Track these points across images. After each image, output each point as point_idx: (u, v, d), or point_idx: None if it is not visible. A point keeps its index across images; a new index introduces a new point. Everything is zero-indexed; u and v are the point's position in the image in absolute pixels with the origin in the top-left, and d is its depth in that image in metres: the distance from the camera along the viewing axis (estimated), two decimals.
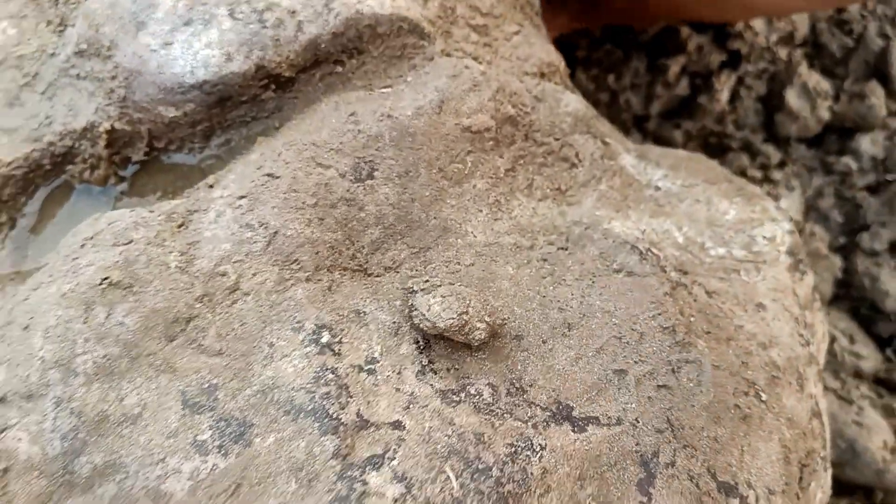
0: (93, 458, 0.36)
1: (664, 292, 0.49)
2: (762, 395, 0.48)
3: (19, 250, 0.53)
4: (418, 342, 0.43)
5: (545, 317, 0.46)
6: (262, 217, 0.44)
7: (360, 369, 0.40)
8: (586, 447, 0.40)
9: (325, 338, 0.40)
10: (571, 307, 0.47)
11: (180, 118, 0.52)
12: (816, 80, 1.10)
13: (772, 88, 1.14)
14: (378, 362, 0.41)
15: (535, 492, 0.38)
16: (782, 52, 1.15)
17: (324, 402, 0.38)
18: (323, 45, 0.52)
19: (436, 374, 0.42)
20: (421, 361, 0.42)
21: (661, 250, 0.54)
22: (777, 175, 1.11)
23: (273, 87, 0.53)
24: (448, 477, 0.37)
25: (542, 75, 0.62)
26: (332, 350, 0.40)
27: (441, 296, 0.42)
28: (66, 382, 0.37)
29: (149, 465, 0.36)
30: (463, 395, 0.41)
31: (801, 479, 0.50)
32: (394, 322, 0.43)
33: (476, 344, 0.42)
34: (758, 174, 1.11)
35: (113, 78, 0.52)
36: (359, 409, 0.38)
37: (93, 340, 0.38)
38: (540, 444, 0.39)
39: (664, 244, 0.55)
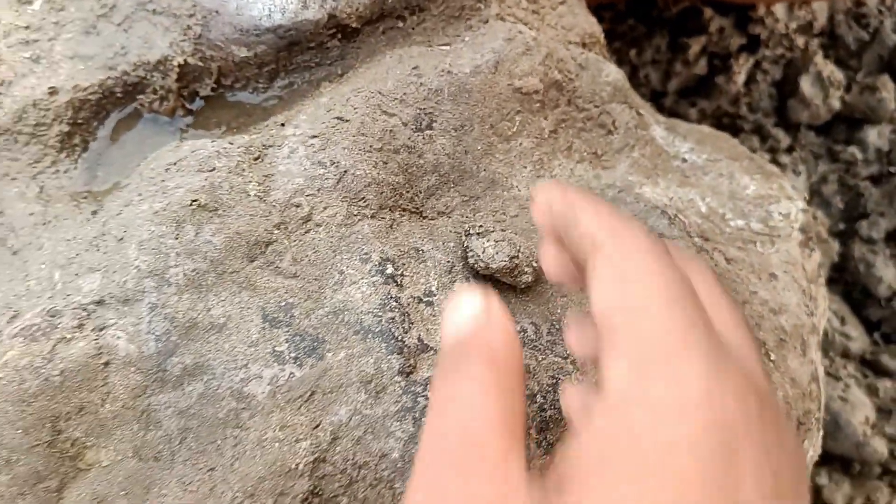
0: (183, 359, 0.40)
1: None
2: (771, 354, 0.52)
3: (90, 171, 0.56)
4: (469, 280, 0.47)
5: None
6: (333, 156, 0.47)
7: (420, 300, 0.44)
8: None
9: (390, 270, 0.44)
10: None
11: (250, 58, 0.56)
12: (830, 70, 1.14)
13: (787, 75, 1.17)
14: (435, 296, 0.45)
15: None
16: (800, 41, 1.18)
17: (390, 326, 0.42)
18: (389, 0, 0.55)
19: None
20: None
21: (686, 217, 0.58)
22: (785, 159, 1.15)
23: (339, 36, 0.56)
24: None
25: (584, 45, 0.66)
26: (396, 281, 0.44)
27: (495, 240, 0.46)
28: (160, 290, 0.41)
29: (233, 368, 0.41)
30: None
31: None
32: (448, 261, 0.47)
33: (522, 286, 0.47)
34: (767, 157, 1.15)
35: (191, 16, 0.55)
36: (419, 335, 0.43)
37: (184, 255, 0.42)
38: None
39: (689, 212, 0.59)
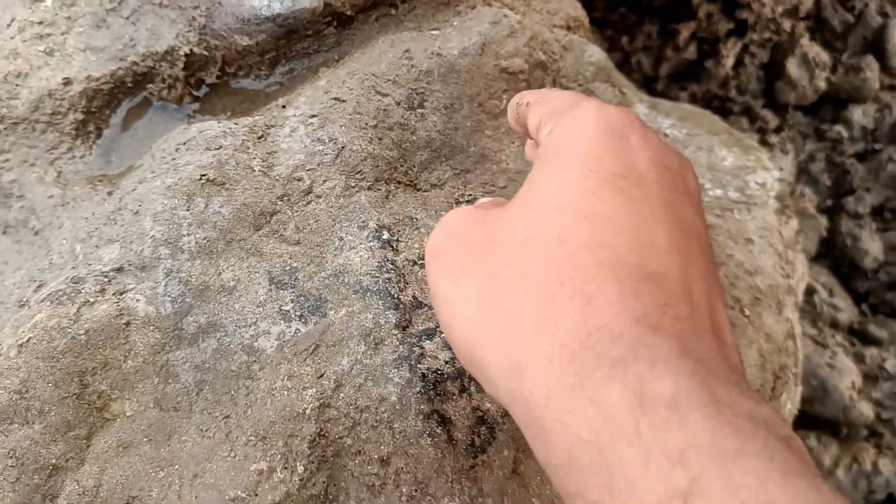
0: (198, 319, 0.44)
1: None
2: (746, 310, 0.56)
3: (104, 156, 0.60)
4: None
5: None
6: (331, 133, 0.51)
7: (415, 263, 0.48)
8: None
9: (386, 235, 0.48)
10: None
11: (252, 47, 0.59)
12: (816, 52, 1.17)
13: (774, 57, 1.21)
14: None
15: None
16: (786, 24, 1.21)
17: (386, 285, 0.46)
18: None
19: None
20: None
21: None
22: (773, 139, 1.18)
23: (335, 23, 0.60)
24: None
25: (569, 28, 0.69)
26: (392, 246, 0.48)
27: None
28: (174, 257, 0.45)
29: (243, 326, 0.44)
30: None
31: (773, 387, 0.59)
32: None
33: None
34: (756, 137, 1.18)
35: (195, 7, 0.59)
36: (414, 293, 0.47)
37: (195, 225, 0.46)
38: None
39: None
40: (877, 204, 1.14)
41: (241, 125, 0.52)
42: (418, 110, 0.55)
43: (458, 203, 0.52)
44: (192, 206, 0.46)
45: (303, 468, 0.41)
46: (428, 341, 0.45)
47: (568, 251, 0.30)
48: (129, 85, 0.61)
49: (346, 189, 0.50)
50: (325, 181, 0.50)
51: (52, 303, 0.43)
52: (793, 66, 1.17)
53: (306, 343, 0.44)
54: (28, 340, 0.42)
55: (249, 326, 0.44)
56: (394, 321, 0.45)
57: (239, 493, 0.40)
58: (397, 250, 0.48)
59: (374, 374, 0.43)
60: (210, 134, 0.50)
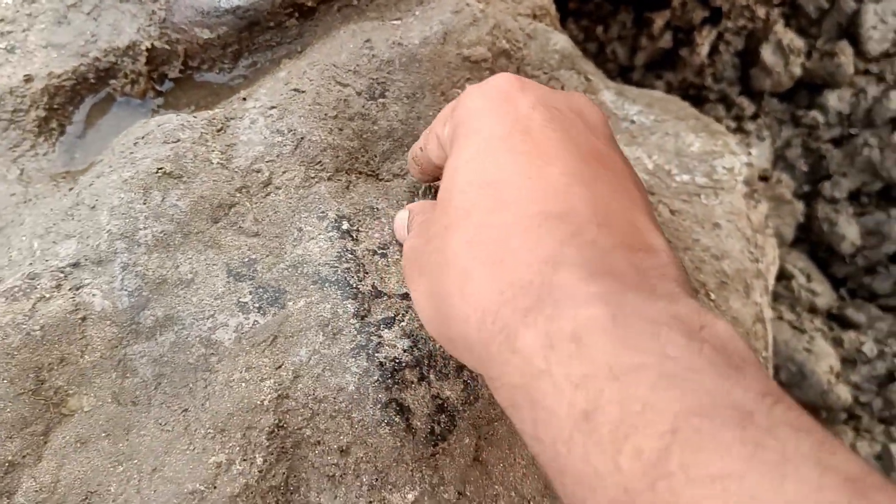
0: (155, 312, 0.44)
1: None
2: (711, 294, 0.56)
3: (68, 153, 0.60)
4: None
5: None
6: (290, 124, 0.51)
7: (375, 252, 0.48)
8: None
9: (346, 226, 0.48)
10: None
11: (214, 40, 0.59)
12: (790, 38, 1.17)
13: (749, 45, 1.21)
14: (388, 248, 0.49)
15: None
16: (761, 11, 1.22)
17: (345, 275, 0.46)
18: None
19: None
20: None
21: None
22: (750, 126, 1.19)
23: (297, 15, 0.59)
24: None
25: (535, 17, 0.69)
26: (351, 236, 0.48)
27: None
28: (130, 251, 0.45)
29: (201, 319, 0.44)
30: None
31: None
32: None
33: None
34: (732, 124, 1.18)
35: (155, 1, 0.59)
36: (373, 283, 0.46)
37: (152, 218, 0.46)
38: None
39: (636, 169, 0.63)
40: (853, 188, 1.14)
41: (200, 118, 0.51)
42: (380, 100, 0.55)
43: (416, 196, 0.52)
44: (149, 200, 0.46)
45: (262, 460, 0.41)
46: (387, 330, 0.44)
47: (474, 223, 0.33)
48: (92, 81, 0.61)
49: (305, 180, 0.50)
50: (284, 172, 0.50)
51: (6, 299, 0.43)
52: (767, 53, 1.17)
53: (264, 334, 0.44)
54: None
55: (207, 319, 0.44)
56: (352, 311, 0.45)
57: (197, 485, 0.40)
58: (357, 240, 0.48)
59: (331, 364, 0.43)
60: (168, 127, 0.50)
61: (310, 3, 0.59)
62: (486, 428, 0.46)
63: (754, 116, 1.20)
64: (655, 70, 1.24)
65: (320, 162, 0.50)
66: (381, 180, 0.53)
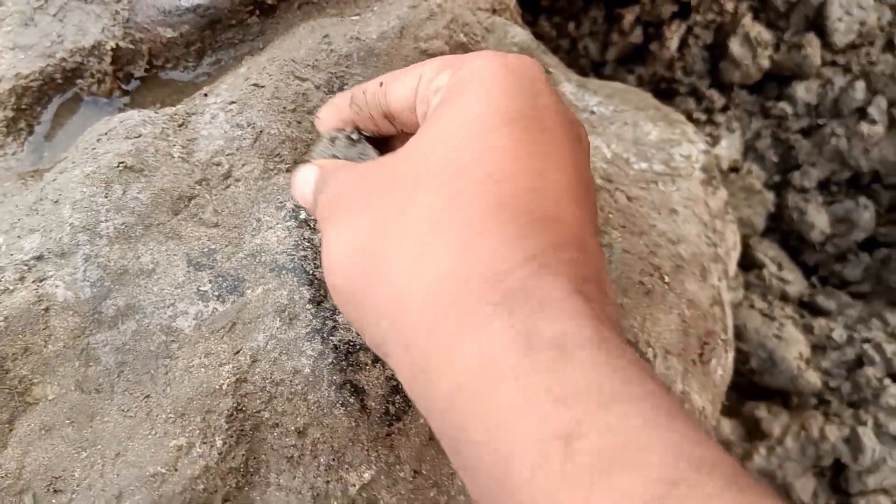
0: (117, 302, 0.45)
1: None
2: (665, 277, 0.58)
3: (36, 152, 0.61)
4: None
5: None
6: (249, 119, 0.52)
7: None
8: None
9: (303, 215, 0.49)
10: None
11: (177, 38, 0.60)
12: (758, 31, 1.19)
13: (717, 38, 1.22)
14: None
15: None
16: (729, 5, 1.23)
17: (302, 263, 0.47)
18: None
19: None
20: None
21: (592, 163, 0.63)
22: (720, 118, 1.20)
23: (258, 12, 0.61)
24: None
25: (494, 11, 0.70)
26: (309, 225, 0.49)
27: None
28: (92, 243, 0.46)
29: (162, 307, 0.45)
30: None
31: (701, 353, 0.61)
32: None
33: None
34: (703, 117, 1.20)
35: (118, 1, 0.60)
36: None
37: (113, 211, 0.47)
38: None
39: (594, 158, 0.64)
40: (822, 178, 1.16)
41: (162, 114, 0.53)
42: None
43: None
44: (111, 193, 0.47)
45: (221, 442, 0.42)
46: (341, 314, 0.46)
47: (459, 186, 0.30)
48: (59, 81, 0.62)
49: (264, 172, 0.51)
50: (243, 165, 0.51)
51: None
52: (736, 46, 1.19)
53: (223, 321, 0.45)
54: None
55: (168, 307, 0.45)
56: (308, 296, 0.46)
57: (159, 468, 0.41)
58: (314, 229, 0.49)
59: (288, 348, 0.44)
60: (130, 123, 0.51)
61: (270, 1, 0.60)
62: None
63: (724, 108, 1.21)
64: (627, 65, 1.25)
65: (279, 154, 0.52)
66: None
